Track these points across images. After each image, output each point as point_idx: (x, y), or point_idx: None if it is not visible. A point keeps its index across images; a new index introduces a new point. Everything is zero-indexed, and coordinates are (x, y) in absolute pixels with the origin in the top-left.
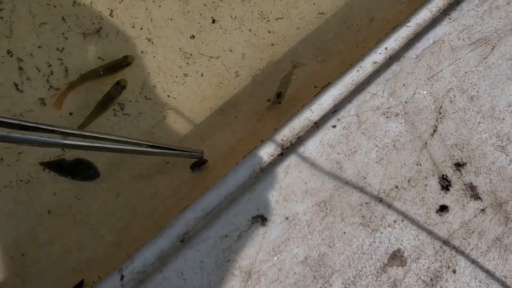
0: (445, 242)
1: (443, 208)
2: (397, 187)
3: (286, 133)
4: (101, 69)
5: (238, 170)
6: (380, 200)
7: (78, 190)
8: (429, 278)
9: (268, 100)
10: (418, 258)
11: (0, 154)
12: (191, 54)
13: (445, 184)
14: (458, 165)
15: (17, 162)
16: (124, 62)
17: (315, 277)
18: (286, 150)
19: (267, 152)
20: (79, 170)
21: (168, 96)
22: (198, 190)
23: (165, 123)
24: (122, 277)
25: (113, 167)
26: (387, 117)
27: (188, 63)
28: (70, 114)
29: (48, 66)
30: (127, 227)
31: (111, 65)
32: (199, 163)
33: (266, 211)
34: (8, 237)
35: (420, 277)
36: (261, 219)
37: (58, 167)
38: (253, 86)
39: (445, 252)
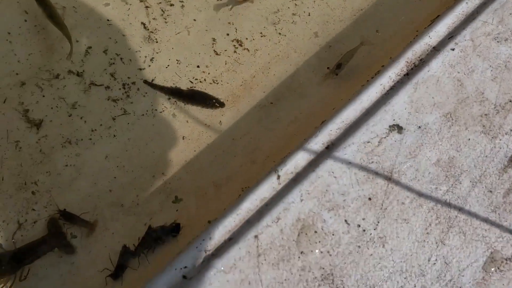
0: None
1: None
2: (510, 101)
3: (410, 56)
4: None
5: (370, 88)
6: (497, 112)
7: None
8: None
9: (328, 68)
10: None
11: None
12: None
13: None
14: None
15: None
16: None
17: (446, 176)
18: (412, 71)
19: (394, 72)
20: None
21: None
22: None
23: None
24: (278, 177)
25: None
26: (497, 42)
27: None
28: None
29: None
30: (256, 148)
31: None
32: None
33: (401, 121)
34: (149, 159)
35: None
36: (397, 128)
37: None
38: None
39: None
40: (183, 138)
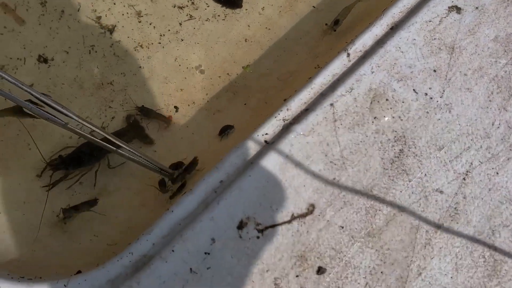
0: None
1: None
2: None
3: None
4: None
5: None
6: None
7: None
8: None
9: (326, 24)
10: None
11: None
12: None
13: None
14: None
15: None
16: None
17: (505, 51)
18: None
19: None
20: None
21: None
22: None
23: None
24: (348, 55)
25: None
26: None
27: None
28: None
29: None
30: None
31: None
32: None
33: (459, 2)
34: (216, 60)
35: None
36: (456, 9)
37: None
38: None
39: None
40: (246, 41)
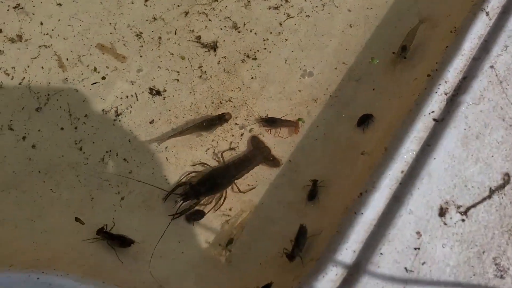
0: None
1: None
2: None
3: None
4: (204, 123)
5: None
6: None
7: None
8: None
9: (393, 53)
10: None
11: None
12: None
13: None
14: None
15: None
16: (222, 119)
17: None
18: None
19: None
20: None
21: None
22: None
23: None
24: (487, 13)
25: None
26: None
27: None
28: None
29: None
30: None
31: (211, 121)
32: None
33: None
34: (326, 51)
35: None
36: None
37: None
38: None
39: None
40: (350, 26)
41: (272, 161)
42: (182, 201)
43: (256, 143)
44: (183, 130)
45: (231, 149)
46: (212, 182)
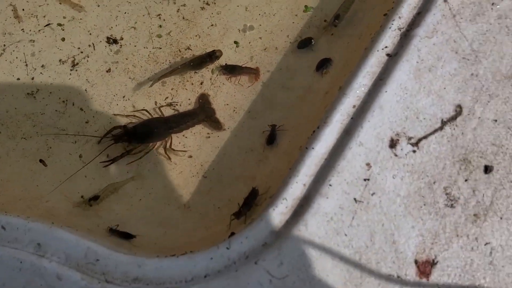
0: None
1: None
2: None
3: None
4: (191, 63)
5: None
6: None
7: None
8: None
9: (325, 21)
10: None
11: None
12: None
13: None
14: None
15: None
16: (213, 56)
17: None
18: None
19: None
20: None
21: None
22: None
23: None
24: None
25: None
26: None
27: None
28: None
29: None
30: None
31: (201, 59)
32: None
33: None
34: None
35: None
36: None
37: None
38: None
39: None
40: None
41: (215, 123)
42: (112, 142)
43: (203, 101)
44: (173, 69)
45: (170, 104)
46: (148, 129)
